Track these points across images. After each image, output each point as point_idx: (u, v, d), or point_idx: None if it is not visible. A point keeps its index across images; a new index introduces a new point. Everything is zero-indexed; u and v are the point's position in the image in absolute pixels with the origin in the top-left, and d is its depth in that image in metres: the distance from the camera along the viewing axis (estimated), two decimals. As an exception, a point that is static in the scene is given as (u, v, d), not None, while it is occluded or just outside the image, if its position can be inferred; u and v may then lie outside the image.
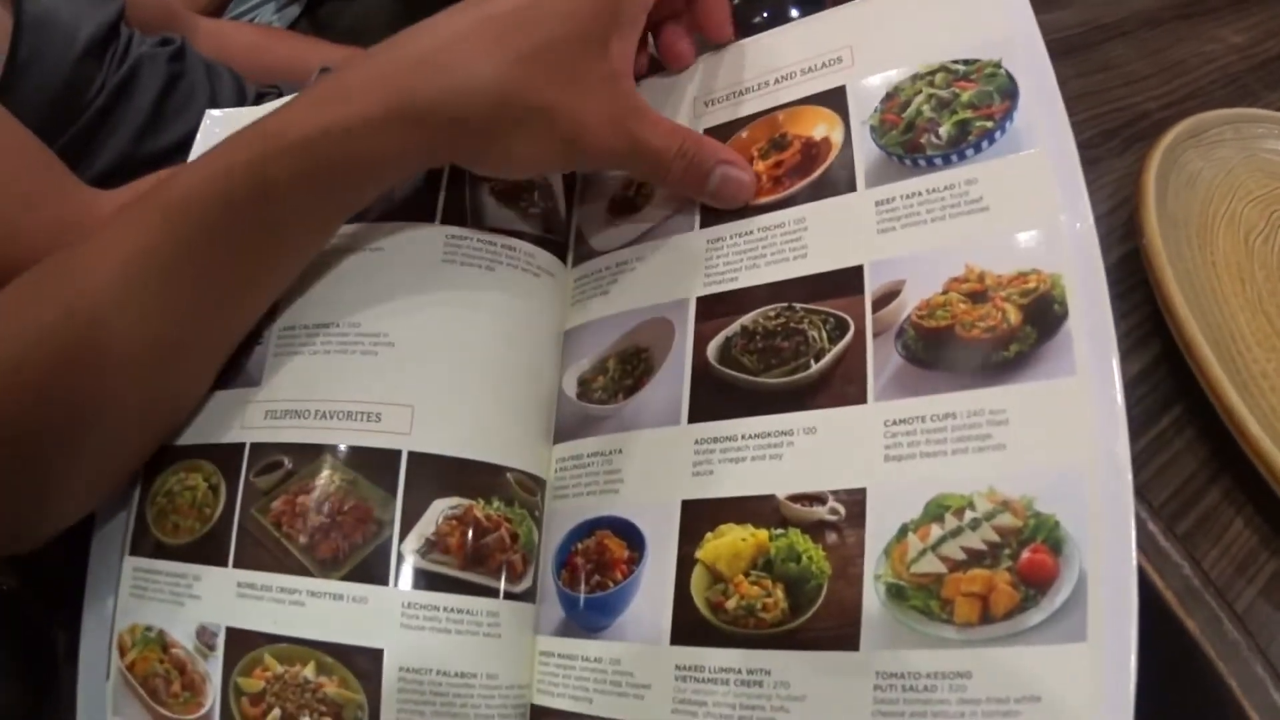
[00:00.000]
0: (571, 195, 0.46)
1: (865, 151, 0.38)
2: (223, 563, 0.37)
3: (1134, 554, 0.28)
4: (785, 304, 0.37)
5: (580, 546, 0.38)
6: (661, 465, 0.37)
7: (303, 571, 0.36)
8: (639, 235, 0.43)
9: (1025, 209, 0.34)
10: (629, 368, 0.40)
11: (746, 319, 0.38)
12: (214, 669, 0.36)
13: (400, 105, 0.34)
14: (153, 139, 0.52)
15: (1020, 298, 0.32)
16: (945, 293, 0.34)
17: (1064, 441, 0.29)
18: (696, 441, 0.36)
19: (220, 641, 0.36)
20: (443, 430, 0.38)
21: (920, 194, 0.36)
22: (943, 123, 0.37)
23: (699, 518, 0.35)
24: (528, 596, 0.38)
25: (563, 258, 0.45)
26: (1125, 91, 0.56)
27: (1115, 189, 0.48)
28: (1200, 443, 0.40)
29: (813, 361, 0.35)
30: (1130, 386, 0.42)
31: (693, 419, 0.37)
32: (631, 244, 0.43)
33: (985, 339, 0.32)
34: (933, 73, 0.38)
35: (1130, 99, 0.55)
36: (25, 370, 0.35)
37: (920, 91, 0.38)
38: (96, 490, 0.40)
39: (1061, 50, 0.57)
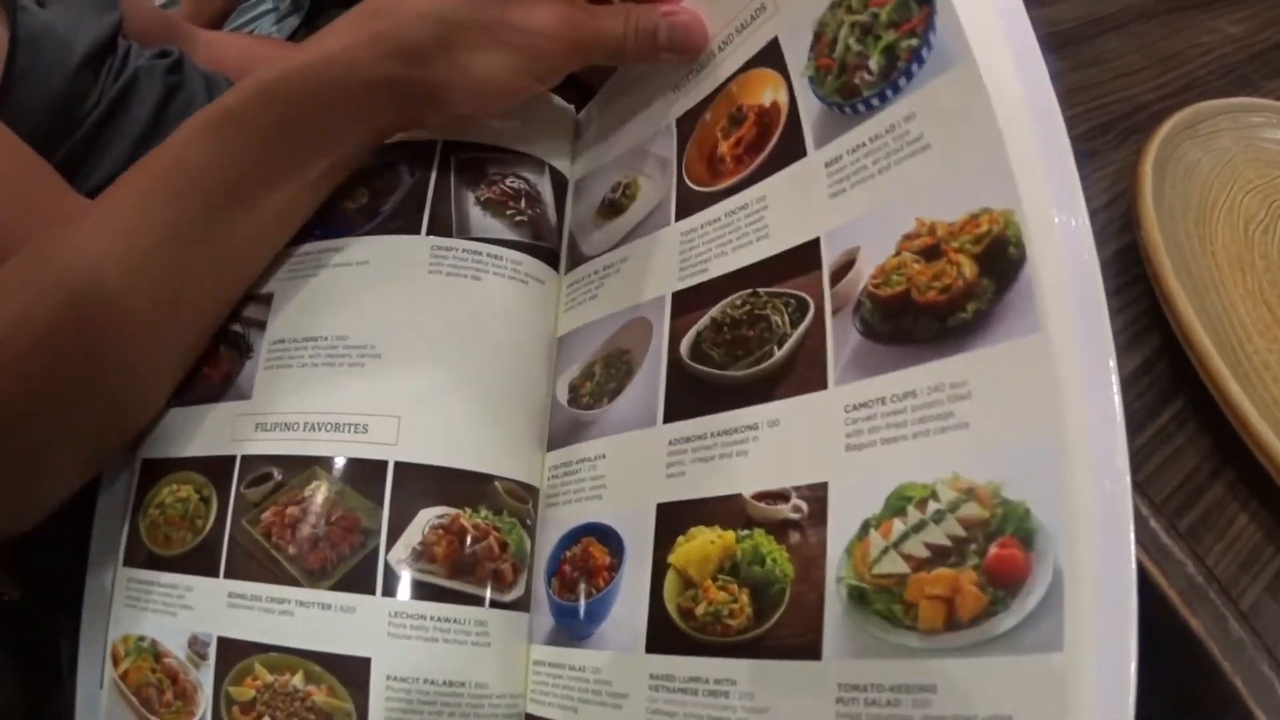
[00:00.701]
0: (563, 202, 0.47)
1: (809, 108, 0.37)
2: (214, 573, 0.38)
3: (1130, 546, 0.24)
4: (750, 290, 0.36)
5: (568, 554, 0.38)
6: (638, 468, 0.37)
7: (292, 581, 0.36)
8: (624, 236, 0.43)
9: (965, 139, 0.30)
10: (613, 371, 0.40)
11: (715, 310, 0.37)
12: (205, 678, 0.37)
13: (357, 40, 0.38)
14: (150, 150, 0.53)
15: (973, 245, 0.29)
16: (898, 254, 0.31)
17: (1031, 412, 0.26)
18: (670, 442, 0.36)
19: (212, 651, 0.37)
20: (429, 440, 0.38)
21: (865, 144, 0.34)
22: (871, 53, 0.34)
23: (672, 521, 0.35)
24: (519, 605, 0.38)
25: (554, 264, 0.45)
26: (1121, 84, 0.56)
27: (1112, 181, 0.48)
28: (1202, 436, 0.40)
29: (776, 349, 0.34)
30: (1130, 381, 0.41)
31: (667, 419, 0.37)
32: (617, 245, 0.43)
33: (942, 301, 0.29)
34: None
35: (1126, 91, 0.55)
36: (27, 328, 0.36)
37: (842, 23, 0.36)
38: (95, 458, 0.41)
39: (1056, 44, 0.57)
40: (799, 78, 0.37)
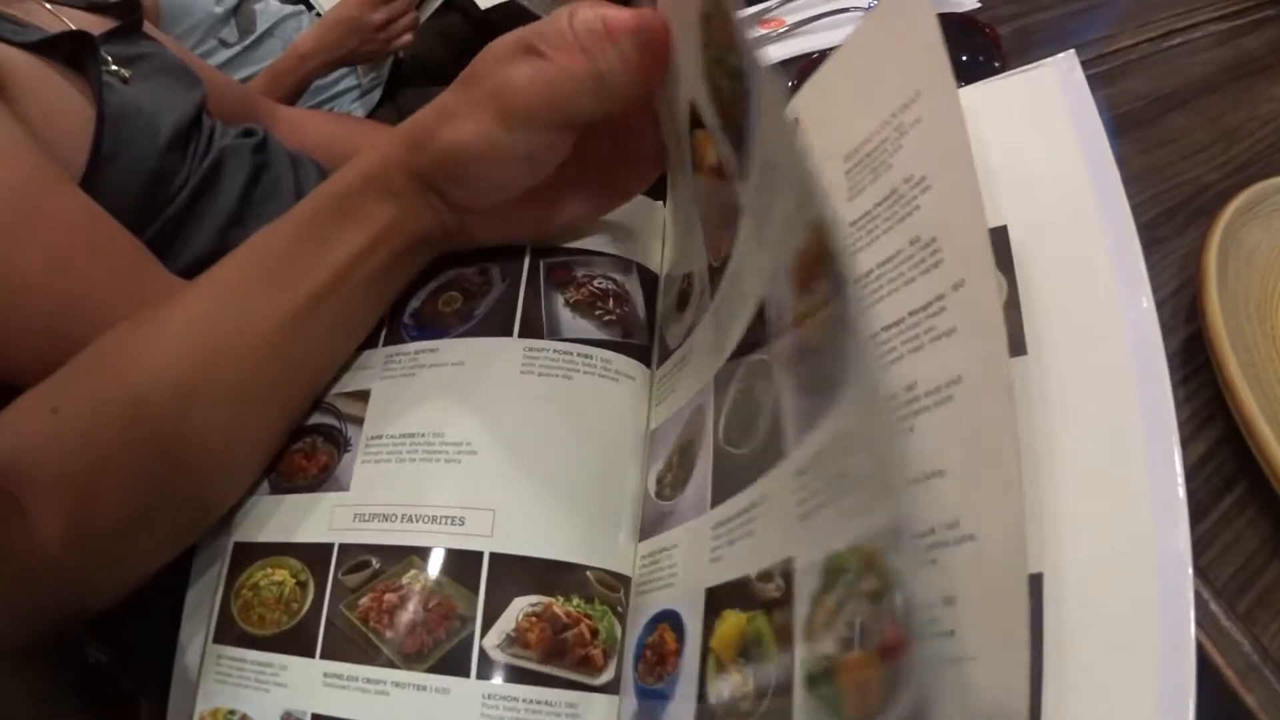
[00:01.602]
0: (654, 297, 0.52)
1: (726, 157, 0.39)
2: (310, 654, 0.43)
3: (1191, 634, 0.28)
4: (742, 362, 0.39)
5: (649, 640, 0.43)
6: (695, 554, 0.41)
7: (388, 664, 0.42)
8: (690, 326, 0.47)
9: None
10: (684, 461, 0.45)
11: (732, 388, 0.40)
12: None
13: (392, 137, 0.46)
14: (240, 230, 0.57)
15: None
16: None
17: (889, 466, 0.25)
18: (713, 526, 0.40)
19: None
20: (524, 533, 0.44)
21: (751, 174, 0.35)
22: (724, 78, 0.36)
23: (715, 604, 0.38)
24: (609, 689, 0.43)
25: (646, 360, 0.50)
26: (1185, 165, 0.61)
27: (1179, 269, 0.53)
28: (1262, 520, 0.46)
29: (760, 421, 0.37)
30: (1196, 468, 0.47)
31: (713, 504, 0.40)
32: (687, 336, 0.48)
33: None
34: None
35: (1190, 172, 0.61)
36: (95, 436, 0.43)
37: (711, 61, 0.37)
38: (176, 544, 0.48)
39: (1126, 125, 0.64)
40: (716, 133, 0.40)
